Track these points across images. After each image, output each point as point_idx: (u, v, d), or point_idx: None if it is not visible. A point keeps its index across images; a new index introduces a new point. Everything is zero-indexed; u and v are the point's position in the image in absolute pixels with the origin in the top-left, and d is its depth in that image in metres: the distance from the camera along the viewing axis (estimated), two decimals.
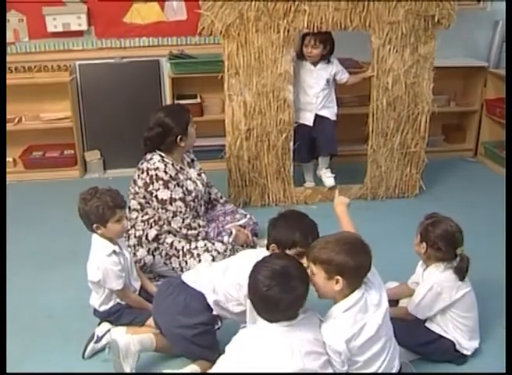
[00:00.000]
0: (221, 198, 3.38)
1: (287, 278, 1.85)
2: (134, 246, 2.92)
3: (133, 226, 2.94)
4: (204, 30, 3.47)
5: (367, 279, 2.01)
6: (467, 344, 2.36)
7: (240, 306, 2.21)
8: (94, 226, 2.41)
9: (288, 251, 2.17)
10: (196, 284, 2.28)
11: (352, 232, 2.18)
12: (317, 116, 3.82)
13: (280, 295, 1.83)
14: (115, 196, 2.44)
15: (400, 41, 3.61)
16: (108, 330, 2.44)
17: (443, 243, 2.29)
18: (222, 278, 2.25)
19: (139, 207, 2.95)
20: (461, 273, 2.31)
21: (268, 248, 2.25)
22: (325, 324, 1.97)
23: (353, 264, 1.91)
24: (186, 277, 2.34)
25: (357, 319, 1.93)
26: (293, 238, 2.18)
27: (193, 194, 2.99)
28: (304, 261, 2.06)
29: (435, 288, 2.29)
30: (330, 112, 3.86)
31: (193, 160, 3.18)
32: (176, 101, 4.35)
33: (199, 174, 3.14)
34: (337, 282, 1.93)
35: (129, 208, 2.93)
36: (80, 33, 4.34)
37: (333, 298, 2.00)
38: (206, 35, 3.87)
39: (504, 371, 2.10)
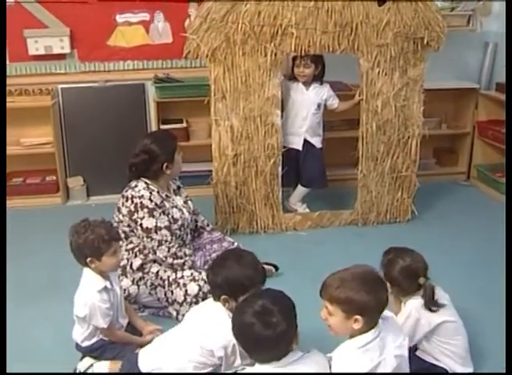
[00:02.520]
0: (207, 225, 3.40)
1: (267, 315, 1.83)
2: (118, 276, 2.90)
3: None
4: (190, 54, 3.51)
5: (385, 318, 2.00)
6: (460, 369, 2.38)
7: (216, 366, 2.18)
8: (88, 259, 2.39)
9: (242, 297, 2.12)
10: None
11: (365, 266, 2.13)
12: (305, 142, 3.90)
13: (260, 332, 1.81)
14: (110, 228, 2.45)
15: (389, 64, 3.68)
16: (91, 365, 2.43)
17: (402, 279, 2.33)
18: (187, 354, 2.18)
19: (123, 236, 2.95)
20: (428, 304, 2.32)
21: (217, 300, 2.20)
22: (336, 358, 1.94)
23: (375, 302, 1.90)
24: (144, 366, 2.23)
25: (373, 357, 1.91)
26: (242, 283, 2.14)
27: (180, 223, 3.01)
28: None
29: (413, 314, 2.32)
30: (318, 140, 3.97)
31: (179, 187, 3.21)
32: (162, 126, 4.40)
33: (185, 202, 3.16)
34: (356, 321, 1.90)
35: None
36: (62, 57, 4.37)
37: (348, 334, 1.97)
38: (192, 58, 3.91)
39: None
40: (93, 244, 2.37)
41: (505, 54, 4.34)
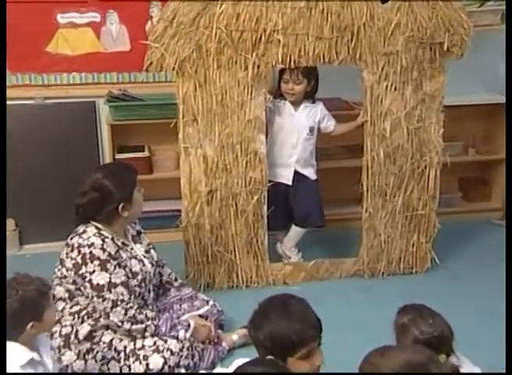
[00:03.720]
0: (175, 280, 3.46)
1: None
2: (59, 348, 2.92)
3: (58, 322, 2.92)
4: (153, 66, 3.56)
5: None
6: None
7: None
8: (30, 325, 2.35)
9: (290, 359, 2.14)
10: None
11: (412, 347, 2.09)
12: (296, 174, 3.97)
13: None
14: (36, 277, 2.42)
15: (400, 77, 3.77)
16: None
17: None
18: None
19: (66, 295, 2.99)
20: None
21: None
22: None
23: None
24: None
25: None
26: (290, 339, 2.14)
27: (140, 277, 3.06)
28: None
29: None
30: (312, 172, 4.04)
31: (139, 233, 3.27)
32: (117, 156, 4.44)
33: (147, 251, 3.22)
34: None
35: (54, 296, 2.90)
36: None
37: None
38: (155, 71, 3.96)
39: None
40: (33, 302, 2.36)
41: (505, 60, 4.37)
